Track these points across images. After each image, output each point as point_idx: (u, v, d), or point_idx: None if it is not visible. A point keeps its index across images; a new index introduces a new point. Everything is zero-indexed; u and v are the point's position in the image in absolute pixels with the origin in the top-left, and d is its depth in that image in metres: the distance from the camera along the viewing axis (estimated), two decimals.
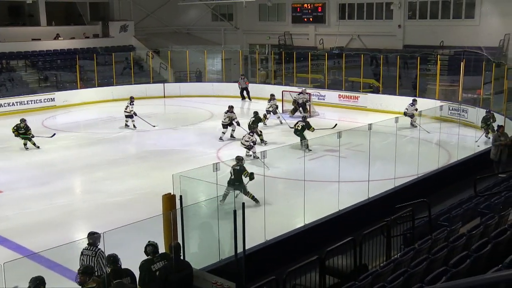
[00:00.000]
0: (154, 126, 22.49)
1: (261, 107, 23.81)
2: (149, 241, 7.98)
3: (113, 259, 7.49)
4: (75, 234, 12.15)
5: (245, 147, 17.33)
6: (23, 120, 19.02)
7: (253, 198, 12.85)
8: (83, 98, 28.58)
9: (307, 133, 18.38)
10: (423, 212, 9.60)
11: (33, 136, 19.01)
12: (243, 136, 17.70)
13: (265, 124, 21.87)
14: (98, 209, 13.50)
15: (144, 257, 7.97)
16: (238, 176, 12.83)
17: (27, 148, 18.93)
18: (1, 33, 31.25)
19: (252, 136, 17.45)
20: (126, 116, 22.34)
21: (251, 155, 16.97)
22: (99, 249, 8.09)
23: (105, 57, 32.41)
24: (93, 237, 8.25)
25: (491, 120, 18.86)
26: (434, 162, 14.80)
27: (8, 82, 28.67)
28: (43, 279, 6.84)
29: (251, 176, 12.82)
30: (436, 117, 21.45)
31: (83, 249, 8.24)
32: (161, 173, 15.52)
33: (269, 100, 23.70)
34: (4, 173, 16.37)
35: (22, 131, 18.87)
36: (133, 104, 22.29)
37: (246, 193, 12.86)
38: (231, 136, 20.38)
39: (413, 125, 20.94)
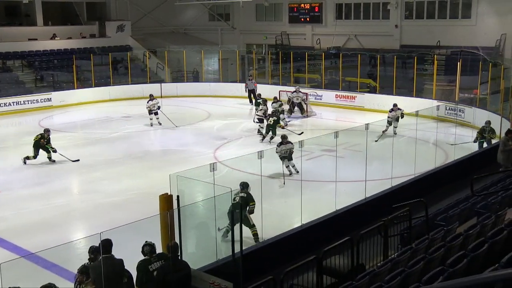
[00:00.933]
0: (176, 126, 22.50)
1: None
2: (146, 241, 7.97)
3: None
4: (72, 234, 12.15)
5: (257, 121, 20.28)
6: (47, 131, 17.70)
7: (255, 235, 10.88)
8: (80, 98, 28.55)
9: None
10: (420, 211, 9.61)
11: (54, 151, 17.41)
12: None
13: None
14: (95, 209, 13.48)
15: (141, 257, 7.96)
16: (244, 205, 10.83)
17: (54, 161, 17.46)
18: None
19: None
20: (149, 113, 22.54)
21: (261, 135, 19.51)
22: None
23: (102, 57, 32.36)
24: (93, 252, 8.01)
25: (488, 132, 17.22)
26: (431, 162, 14.82)
27: (4, 82, 28.61)
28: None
29: (252, 209, 10.97)
30: (433, 117, 21.49)
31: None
32: (158, 173, 15.50)
33: (273, 102, 23.24)
34: (0, 173, 16.33)
35: (46, 142, 17.38)
36: (152, 101, 22.40)
37: (251, 226, 10.92)
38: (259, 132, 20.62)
39: (394, 132, 19.86)
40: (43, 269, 9.10)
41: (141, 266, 7.76)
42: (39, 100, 27.37)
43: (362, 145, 18.25)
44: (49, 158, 17.44)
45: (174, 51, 33.14)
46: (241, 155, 16.65)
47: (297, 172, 14.99)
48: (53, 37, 33.25)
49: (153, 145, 20.01)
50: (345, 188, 12.64)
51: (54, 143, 17.68)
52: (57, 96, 27.89)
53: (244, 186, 11.21)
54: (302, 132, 20.01)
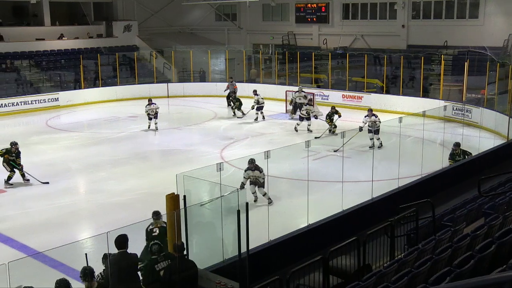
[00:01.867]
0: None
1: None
2: (154, 241, 7.95)
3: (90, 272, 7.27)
4: (78, 233, 12.18)
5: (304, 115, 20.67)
6: (14, 144, 15.36)
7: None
8: (87, 98, 28.66)
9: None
10: (427, 212, 9.58)
11: (20, 169, 15.26)
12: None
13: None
14: (101, 209, 13.52)
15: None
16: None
17: (28, 180, 15.41)
18: (5, 33, 31.38)
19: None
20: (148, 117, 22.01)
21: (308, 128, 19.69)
22: None
23: (108, 57, 32.45)
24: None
25: (460, 155, 15.00)
26: (438, 162, 14.76)
27: (12, 81, 28.74)
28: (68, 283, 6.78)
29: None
30: (440, 117, 21.42)
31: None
32: (165, 173, 15.54)
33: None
34: (7, 173, 16.37)
35: (12, 157, 15.22)
36: (150, 105, 21.88)
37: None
38: (308, 130, 20.91)
39: (379, 145, 18.17)
40: (50, 268, 9.12)
41: (147, 266, 7.75)
42: (47, 100, 27.48)
43: (368, 145, 18.24)
44: (22, 175, 15.23)
45: (181, 51, 33.20)
46: (248, 155, 16.66)
47: (271, 202, 13.13)
48: (61, 37, 33.36)
49: (159, 145, 20.03)
50: (352, 188, 12.61)
51: (60, 142, 17.69)
52: (64, 96, 27.99)
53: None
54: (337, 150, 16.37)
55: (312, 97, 24.81)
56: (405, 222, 9.19)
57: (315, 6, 34.56)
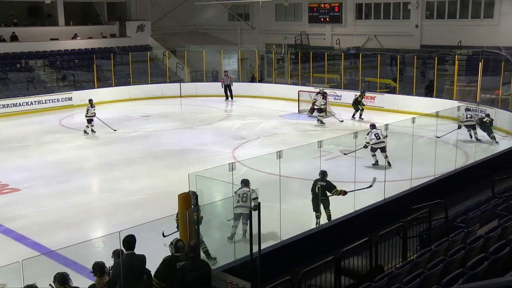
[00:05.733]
0: (114, 130, 21.80)
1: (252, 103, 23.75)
2: (177, 238, 7.86)
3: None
4: (92, 232, 12.27)
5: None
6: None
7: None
8: (100, 97, 28.77)
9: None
10: (440, 213, 9.52)
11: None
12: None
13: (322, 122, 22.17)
14: (115, 208, 13.59)
15: (160, 257, 7.95)
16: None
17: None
18: (20, 33, 31.65)
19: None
20: (88, 121, 21.51)
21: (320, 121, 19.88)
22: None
23: (122, 57, 32.61)
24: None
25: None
26: (451, 162, 14.68)
27: (26, 81, 28.98)
28: (67, 275, 6.79)
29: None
30: (454, 118, 21.27)
31: None
32: (177, 172, 15.58)
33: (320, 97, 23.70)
34: (21, 172, 16.54)
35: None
36: (93, 107, 21.57)
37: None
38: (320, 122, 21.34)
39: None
40: (63, 266, 9.18)
41: (169, 261, 7.54)
42: (60, 99, 27.68)
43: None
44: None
45: (194, 51, 33.27)
46: (260, 155, 16.67)
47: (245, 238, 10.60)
48: (74, 37, 33.59)
49: (172, 145, 20.10)
50: (364, 189, 12.57)
51: (75, 142, 17.78)
52: (78, 96, 28.16)
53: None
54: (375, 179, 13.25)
55: (325, 100, 24.70)
56: (417, 223, 9.14)
57: (328, 6, 34.49)
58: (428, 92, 26.36)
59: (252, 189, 10.97)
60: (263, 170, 15.67)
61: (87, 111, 21.50)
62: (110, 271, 7.48)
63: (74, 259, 9.61)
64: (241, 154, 17.84)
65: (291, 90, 28.39)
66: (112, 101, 28.76)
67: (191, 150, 19.29)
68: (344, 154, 14.91)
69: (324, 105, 23.43)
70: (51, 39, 32.45)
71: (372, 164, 16.19)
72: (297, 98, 26.12)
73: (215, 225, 9.40)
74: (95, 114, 21.51)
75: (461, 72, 26.08)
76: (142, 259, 7.52)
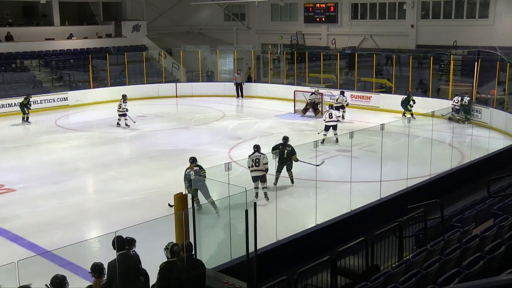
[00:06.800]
0: (134, 122, 22.88)
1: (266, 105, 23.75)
2: (172, 242, 7.82)
3: (98, 268, 7.26)
4: (87, 233, 12.24)
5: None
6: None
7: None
8: (96, 97, 28.77)
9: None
10: (436, 213, 9.54)
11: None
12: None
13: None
14: (110, 208, 13.56)
15: (156, 257, 7.94)
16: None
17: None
18: (15, 33, 31.55)
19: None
20: (119, 115, 22.71)
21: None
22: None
23: (117, 56, 32.56)
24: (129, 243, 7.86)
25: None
26: (447, 162, 14.71)
27: (22, 81, 28.89)
28: (64, 279, 6.73)
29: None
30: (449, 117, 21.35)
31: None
32: (173, 172, 15.56)
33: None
34: (17, 172, 16.50)
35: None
36: (126, 102, 22.59)
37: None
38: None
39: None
40: (59, 267, 9.16)
41: (166, 269, 7.47)
42: (56, 100, 27.61)
43: (377, 145, 18.18)
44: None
45: (189, 51, 33.25)
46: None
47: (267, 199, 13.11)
48: (70, 37, 33.51)
49: (167, 145, 20.07)
50: (360, 188, 12.59)
51: (70, 142, 17.77)
52: (74, 96, 28.10)
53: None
54: (323, 162, 14.49)
55: (320, 97, 24.78)
56: (413, 223, 9.16)
57: (323, 6, 34.50)
58: (422, 91, 26.40)
59: (263, 154, 13.25)
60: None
61: (119, 106, 22.54)
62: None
63: (70, 260, 9.59)
64: (237, 154, 17.82)
65: (287, 90, 28.41)
66: (108, 101, 28.65)
67: (187, 150, 19.22)
68: (317, 166, 13.37)
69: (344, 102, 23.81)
70: (47, 39, 32.35)
71: (321, 143, 17.04)
72: (293, 98, 26.14)
73: (212, 225, 9.39)
74: (127, 109, 22.46)
75: (457, 72, 26.13)
76: (136, 258, 7.51)
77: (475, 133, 19.06)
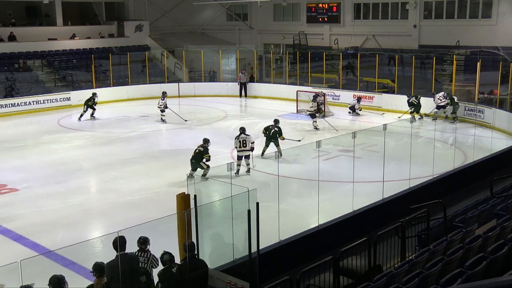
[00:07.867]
0: (186, 120, 23.56)
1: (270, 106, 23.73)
2: (164, 251, 7.86)
3: (100, 268, 7.26)
4: (89, 232, 12.25)
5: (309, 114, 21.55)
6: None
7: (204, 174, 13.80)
8: (99, 97, 28.71)
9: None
10: (439, 213, 9.53)
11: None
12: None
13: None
14: (112, 208, 13.57)
15: (158, 256, 7.95)
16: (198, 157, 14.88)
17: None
18: (18, 33, 31.60)
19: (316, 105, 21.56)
20: (161, 111, 23.46)
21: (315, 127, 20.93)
22: (151, 254, 7.99)
23: (120, 56, 32.57)
24: (143, 242, 8.06)
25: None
26: (450, 163, 14.69)
27: (24, 81, 28.92)
28: (62, 278, 6.74)
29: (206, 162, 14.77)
30: (452, 118, 21.31)
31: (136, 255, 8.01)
32: (175, 172, 15.57)
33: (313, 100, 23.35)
34: (19, 172, 16.52)
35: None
36: (164, 99, 23.33)
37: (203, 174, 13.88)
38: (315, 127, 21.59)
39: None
40: (61, 266, 9.17)
41: (165, 274, 7.53)
42: (58, 100, 27.63)
43: (379, 145, 18.17)
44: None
45: (192, 51, 33.26)
46: (258, 154, 16.68)
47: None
48: (73, 37, 33.55)
49: (170, 145, 20.07)
50: (363, 189, 12.57)
51: (72, 142, 17.81)
52: (76, 96, 28.12)
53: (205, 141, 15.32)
54: (301, 140, 18.27)
55: (322, 97, 24.74)
56: (416, 223, 9.15)
57: (326, 6, 34.50)
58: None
59: (249, 135, 15.75)
60: (262, 170, 15.70)
61: (158, 102, 23.50)
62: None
63: (72, 259, 9.60)
64: None
65: (289, 90, 28.42)
66: (111, 101, 28.71)
67: (189, 150, 19.20)
68: (298, 140, 17.46)
69: (316, 108, 23.15)
70: (49, 39, 32.39)
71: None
72: (295, 98, 26.12)
73: (213, 225, 9.38)
74: (163, 105, 23.25)
75: (459, 72, 26.10)
76: (135, 258, 7.52)
77: (477, 133, 19.02)
